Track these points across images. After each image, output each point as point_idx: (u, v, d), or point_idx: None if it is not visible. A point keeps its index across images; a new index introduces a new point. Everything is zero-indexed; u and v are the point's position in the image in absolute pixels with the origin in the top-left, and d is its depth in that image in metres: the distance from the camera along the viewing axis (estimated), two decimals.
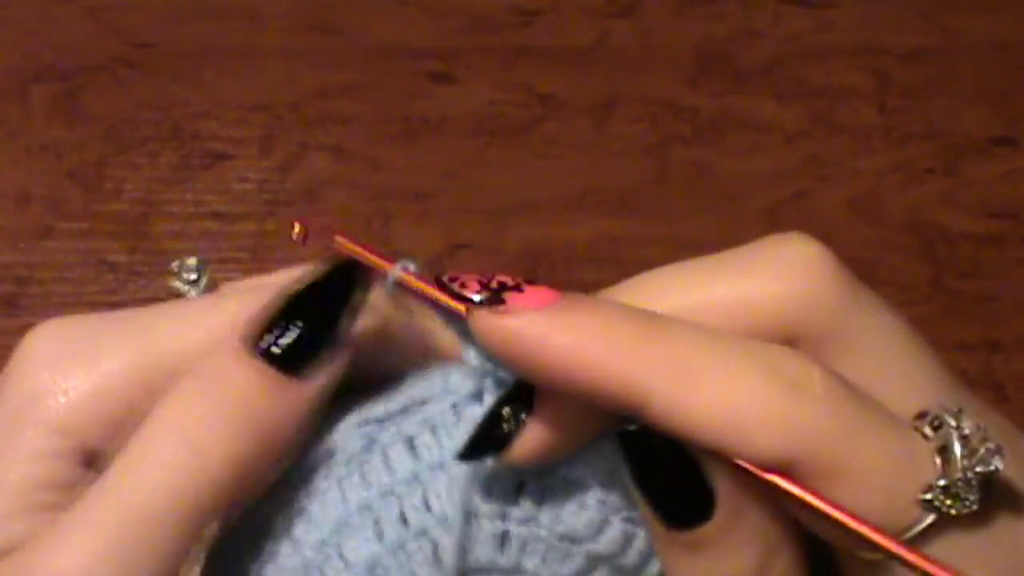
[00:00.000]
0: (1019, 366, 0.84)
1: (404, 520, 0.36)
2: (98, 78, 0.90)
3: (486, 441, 0.34)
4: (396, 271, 0.35)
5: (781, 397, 0.31)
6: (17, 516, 0.34)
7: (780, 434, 0.31)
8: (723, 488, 0.31)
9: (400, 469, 0.37)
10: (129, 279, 0.84)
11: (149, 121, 0.89)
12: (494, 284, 0.32)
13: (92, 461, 0.35)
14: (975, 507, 0.32)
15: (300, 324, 0.35)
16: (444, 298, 0.33)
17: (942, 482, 0.31)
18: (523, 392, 0.34)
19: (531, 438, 0.34)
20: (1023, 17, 0.97)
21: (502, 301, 0.32)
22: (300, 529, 0.37)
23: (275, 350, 0.34)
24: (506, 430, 0.34)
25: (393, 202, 0.87)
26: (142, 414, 0.35)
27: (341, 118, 0.90)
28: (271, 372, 0.34)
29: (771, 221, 0.88)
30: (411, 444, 0.37)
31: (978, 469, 0.32)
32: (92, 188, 0.86)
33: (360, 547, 0.36)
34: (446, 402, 0.37)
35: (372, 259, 0.36)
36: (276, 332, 0.35)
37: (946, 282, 0.87)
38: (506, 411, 0.34)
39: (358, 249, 0.36)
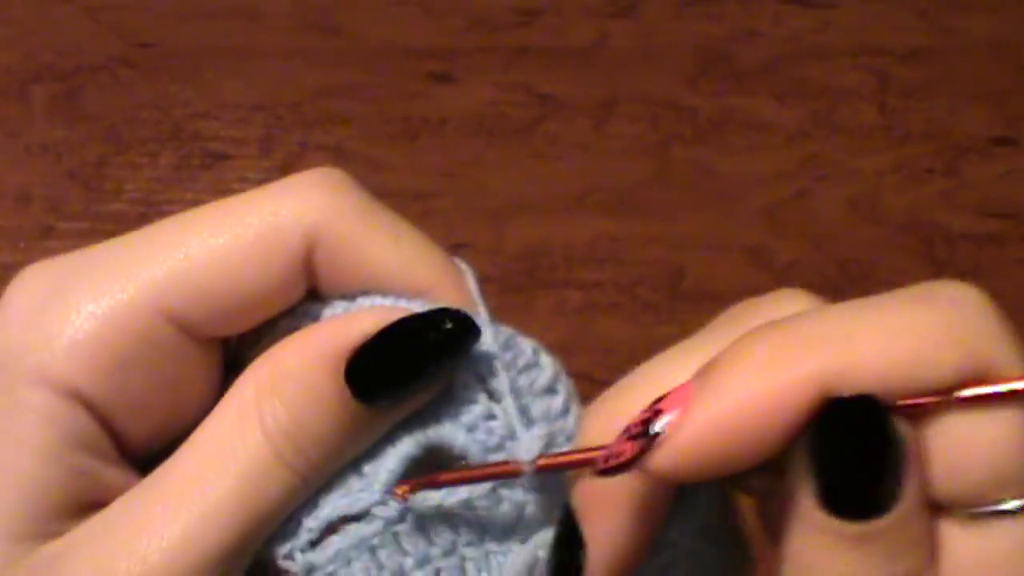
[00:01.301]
0: None
1: None
2: (98, 78, 0.90)
3: None
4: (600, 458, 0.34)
5: (946, 314, 0.30)
6: (57, 482, 0.33)
7: (961, 346, 0.30)
8: (911, 486, 0.30)
9: None
10: None
11: (149, 121, 0.89)
12: (637, 429, 0.31)
13: (89, 406, 0.34)
14: None
15: (399, 357, 0.34)
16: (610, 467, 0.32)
17: None
18: (565, 547, 0.34)
19: (600, 563, 0.33)
20: (1023, 17, 0.97)
21: (655, 435, 0.30)
22: None
23: (369, 380, 0.33)
24: None
25: (393, 202, 0.86)
26: (130, 356, 0.34)
27: (341, 118, 0.90)
28: (356, 406, 0.34)
29: (771, 221, 0.88)
30: None
31: None
32: (92, 188, 0.86)
33: None
34: None
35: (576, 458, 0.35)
36: (376, 357, 0.33)
37: None
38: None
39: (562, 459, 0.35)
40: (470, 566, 0.36)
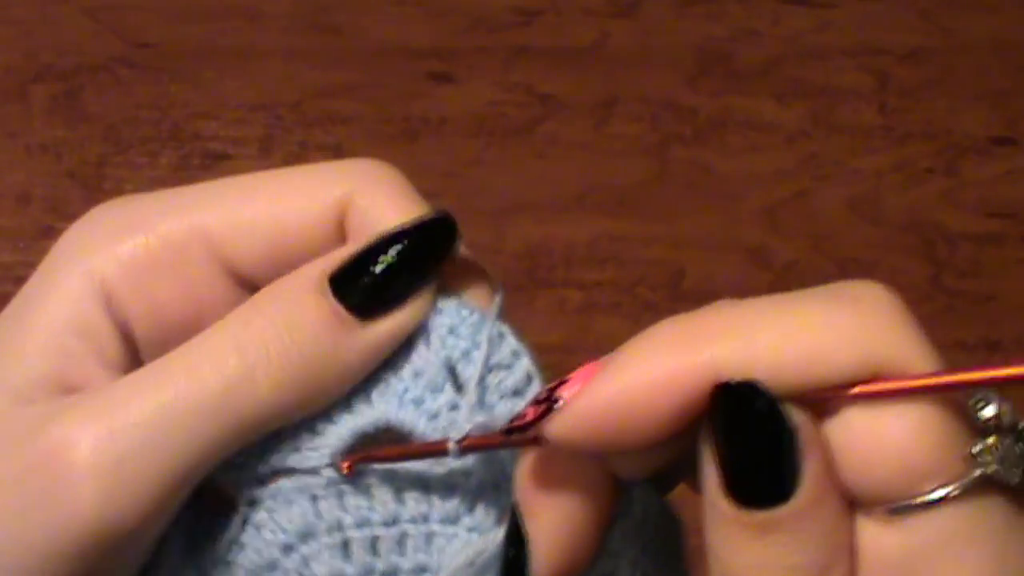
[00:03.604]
0: None
1: None
2: (98, 78, 0.90)
3: None
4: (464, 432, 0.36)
5: (846, 313, 0.31)
6: (46, 352, 0.36)
7: (857, 345, 0.30)
8: (810, 471, 0.30)
9: None
10: None
11: (149, 121, 0.89)
12: (543, 396, 0.32)
13: (115, 314, 0.37)
14: (1017, 480, 0.31)
15: (384, 266, 0.36)
16: (516, 439, 0.34)
17: (991, 440, 0.31)
18: (511, 544, 0.35)
19: (543, 561, 0.34)
20: (1023, 17, 0.97)
21: (555, 400, 0.32)
22: None
23: (355, 290, 0.35)
24: None
25: None
26: (161, 260, 0.37)
27: (341, 118, 0.90)
28: (342, 313, 0.35)
29: (771, 221, 0.88)
30: None
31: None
32: (92, 188, 0.86)
33: None
34: None
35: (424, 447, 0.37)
36: (359, 271, 0.36)
37: (946, 282, 0.87)
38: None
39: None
40: (409, 542, 0.37)
